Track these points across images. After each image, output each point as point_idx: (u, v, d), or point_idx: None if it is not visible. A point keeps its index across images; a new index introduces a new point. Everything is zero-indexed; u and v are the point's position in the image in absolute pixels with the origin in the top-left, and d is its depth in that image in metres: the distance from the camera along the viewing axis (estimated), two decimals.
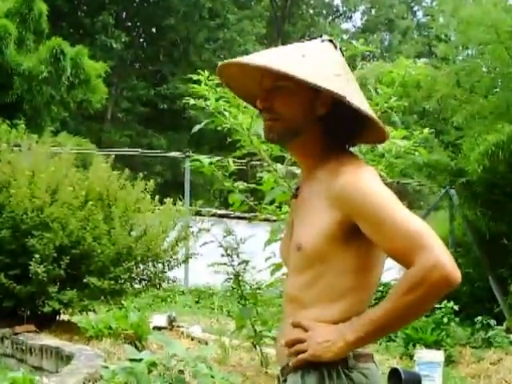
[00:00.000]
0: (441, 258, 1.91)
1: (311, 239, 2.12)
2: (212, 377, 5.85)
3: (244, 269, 7.28)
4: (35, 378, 5.85)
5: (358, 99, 2.12)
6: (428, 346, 8.55)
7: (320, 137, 2.21)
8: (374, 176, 2.11)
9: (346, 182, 2.06)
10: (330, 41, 2.23)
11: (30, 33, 18.46)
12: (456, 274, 1.92)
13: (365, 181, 2.07)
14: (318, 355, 2.08)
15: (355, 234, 2.06)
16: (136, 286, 8.92)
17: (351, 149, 2.28)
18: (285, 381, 2.22)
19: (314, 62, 2.14)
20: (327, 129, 2.19)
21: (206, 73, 6.33)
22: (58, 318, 8.84)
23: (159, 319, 9.85)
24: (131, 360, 5.83)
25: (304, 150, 2.25)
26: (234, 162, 6.82)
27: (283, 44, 2.32)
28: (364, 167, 2.14)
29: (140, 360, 5.82)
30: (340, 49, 2.23)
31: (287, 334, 2.18)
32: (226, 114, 6.28)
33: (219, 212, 14.01)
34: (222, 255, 7.27)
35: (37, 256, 7.77)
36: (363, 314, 2.06)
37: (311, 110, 2.16)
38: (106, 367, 5.88)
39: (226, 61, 2.24)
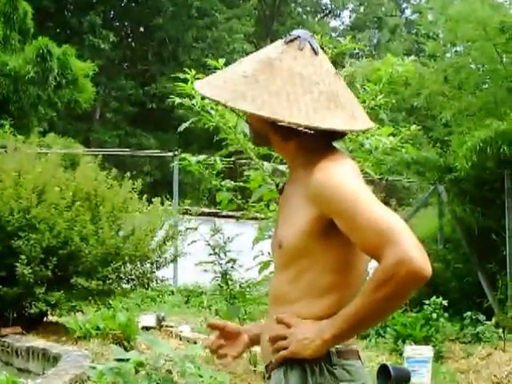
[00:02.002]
0: (409, 252, 1.88)
1: (291, 237, 2.12)
2: (200, 376, 5.84)
3: (232, 267, 7.26)
4: (20, 381, 5.81)
5: (268, 99, 2.06)
6: (417, 342, 8.54)
7: (292, 139, 2.19)
8: (350, 171, 2.10)
9: (320, 178, 2.05)
10: (294, 38, 2.17)
11: (15, 33, 18.41)
12: (425, 269, 1.88)
13: (339, 177, 2.05)
14: (296, 352, 2.09)
15: (334, 231, 2.05)
16: (124, 286, 8.89)
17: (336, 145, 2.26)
18: (269, 377, 2.22)
19: (227, 70, 2.22)
20: (280, 129, 2.13)
21: (193, 71, 6.29)
22: (45, 319, 8.80)
23: (148, 319, 9.81)
24: (118, 360, 5.80)
25: (282, 150, 2.28)
26: (221, 160, 6.79)
27: (271, 43, 2.30)
28: (340, 162, 2.13)
29: (127, 360, 5.79)
30: (298, 38, 2.16)
31: (271, 330, 2.19)
32: (213, 112, 6.25)
33: (208, 211, 13.99)
34: (210, 254, 7.25)
35: (23, 257, 7.74)
36: (340, 312, 2.05)
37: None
38: (94, 368, 5.85)
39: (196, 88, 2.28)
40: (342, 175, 2.06)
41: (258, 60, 2.16)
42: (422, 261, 1.88)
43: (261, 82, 2.09)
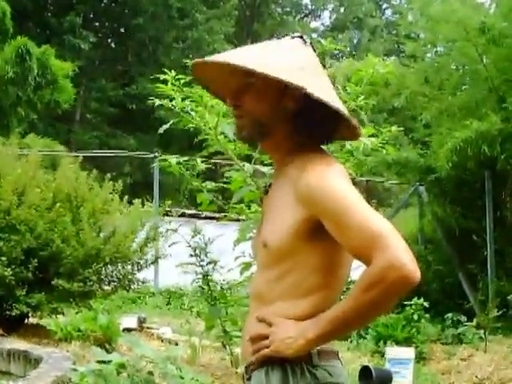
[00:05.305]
0: (399, 257, 1.89)
1: (277, 236, 2.11)
2: (181, 377, 5.82)
3: (213, 268, 7.25)
4: (1, 383, 5.77)
5: (325, 93, 2.10)
6: (399, 343, 8.57)
7: (291, 134, 2.20)
8: (341, 174, 2.10)
9: (312, 180, 2.04)
10: (300, 37, 2.24)
11: None
12: (414, 274, 1.90)
13: (330, 179, 2.05)
14: (278, 351, 2.07)
15: (321, 233, 2.04)
16: (105, 287, 8.84)
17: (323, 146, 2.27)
18: (249, 378, 2.20)
19: (278, 56, 2.15)
20: (297, 125, 2.18)
21: (173, 72, 6.26)
22: (26, 321, 8.74)
23: (129, 321, 9.77)
24: (99, 362, 5.77)
25: (276, 146, 2.26)
26: (202, 161, 6.77)
27: (252, 43, 2.32)
28: (331, 165, 2.13)
29: (109, 362, 5.76)
30: (311, 44, 2.24)
31: (251, 329, 2.18)
32: (193, 113, 6.22)
33: (189, 212, 13.95)
34: (191, 255, 7.24)
35: (4, 259, 7.68)
36: (325, 312, 2.04)
37: (279, 106, 2.16)
38: (75, 370, 5.81)
39: (193, 61, 2.25)
40: (332, 177, 2.06)
41: (293, 54, 2.19)
42: (412, 266, 1.90)
43: (306, 70, 2.13)
